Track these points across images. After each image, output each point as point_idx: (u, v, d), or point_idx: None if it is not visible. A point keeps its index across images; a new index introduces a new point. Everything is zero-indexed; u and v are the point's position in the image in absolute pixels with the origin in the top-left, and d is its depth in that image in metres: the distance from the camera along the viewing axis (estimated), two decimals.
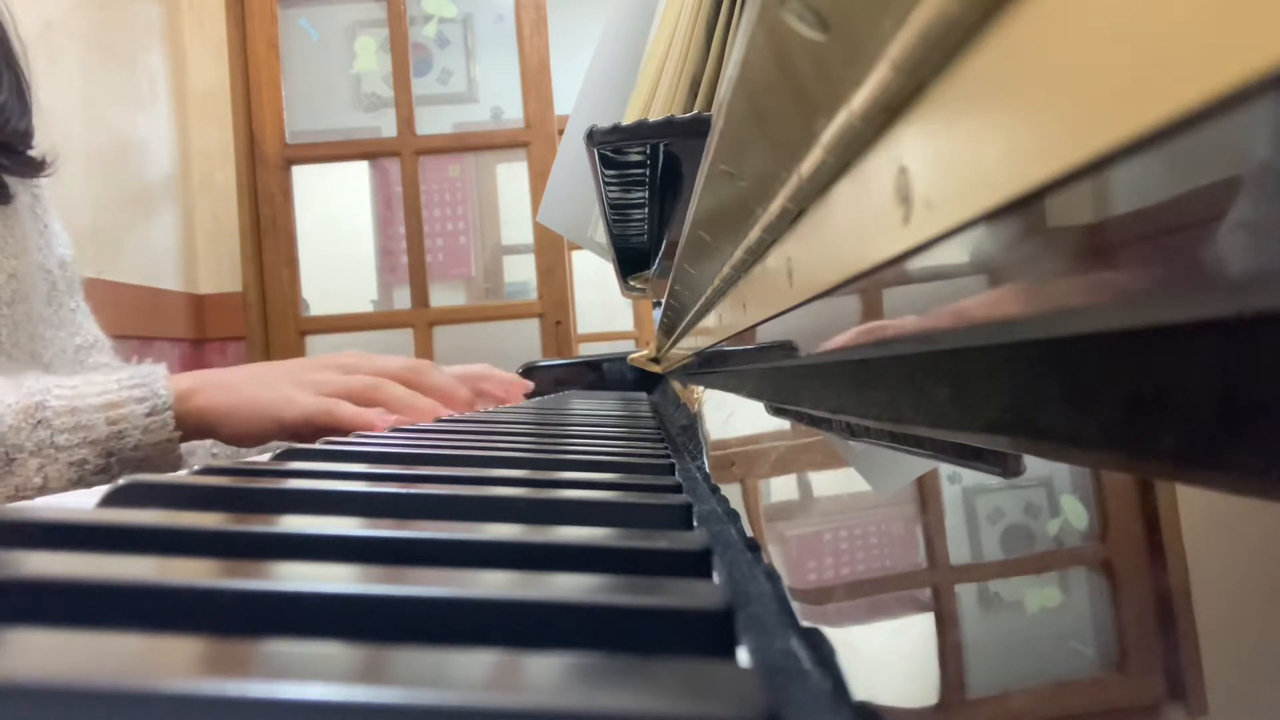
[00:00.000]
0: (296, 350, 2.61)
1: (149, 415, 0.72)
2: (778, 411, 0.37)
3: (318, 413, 0.74)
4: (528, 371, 1.41)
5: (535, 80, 2.71)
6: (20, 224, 0.84)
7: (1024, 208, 0.10)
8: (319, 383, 0.76)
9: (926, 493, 0.21)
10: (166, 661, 0.13)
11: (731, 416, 0.51)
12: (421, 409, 0.76)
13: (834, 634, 0.20)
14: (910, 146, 0.13)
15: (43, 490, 0.68)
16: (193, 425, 0.74)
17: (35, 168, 0.85)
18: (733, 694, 0.12)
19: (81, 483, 0.69)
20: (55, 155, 0.87)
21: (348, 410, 0.74)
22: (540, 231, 2.65)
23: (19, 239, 0.83)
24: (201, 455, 0.86)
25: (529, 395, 1.06)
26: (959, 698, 0.18)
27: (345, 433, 0.70)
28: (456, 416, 0.74)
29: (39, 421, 0.68)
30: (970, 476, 0.18)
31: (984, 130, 0.11)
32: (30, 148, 0.84)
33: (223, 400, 0.75)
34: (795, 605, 0.23)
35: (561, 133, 1.72)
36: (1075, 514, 0.14)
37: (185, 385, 0.75)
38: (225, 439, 0.76)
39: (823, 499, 0.33)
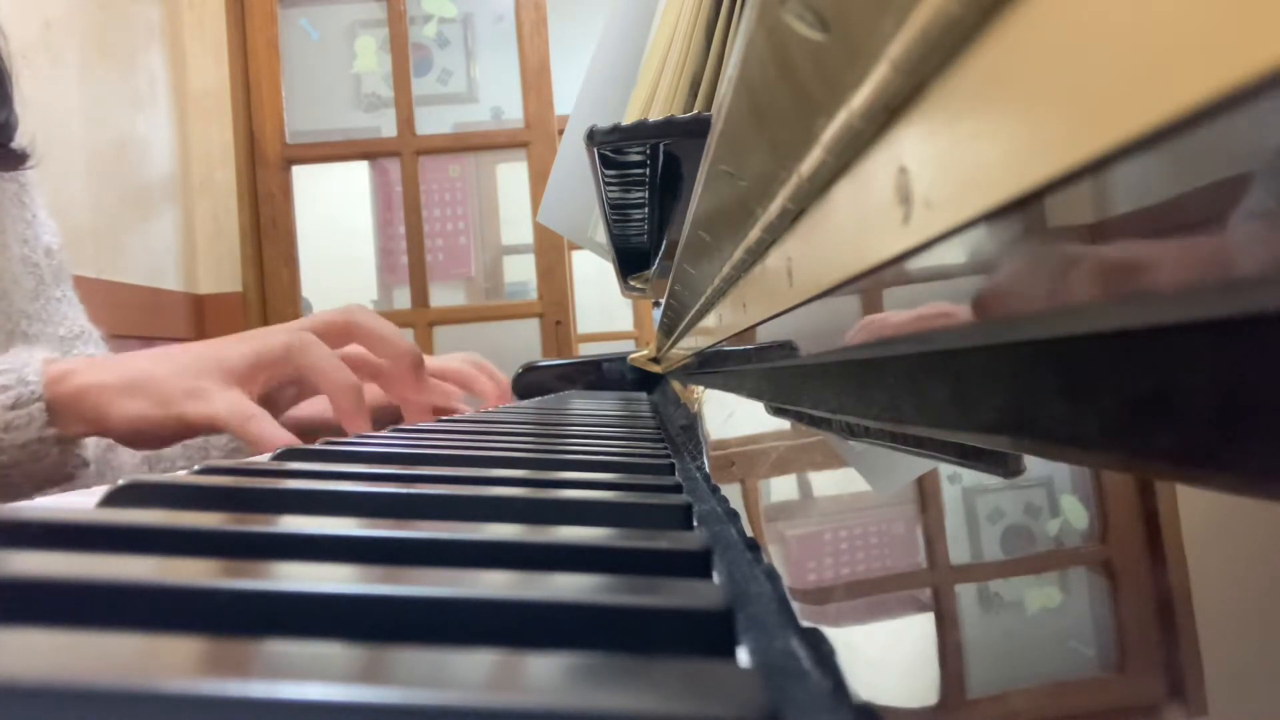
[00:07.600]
0: None
1: (12, 408, 0.58)
2: (778, 411, 0.37)
3: (230, 419, 0.60)
4: (528, 371, 1.41)
5: (535, 80, 2.71)
6: (1, 218, 0.82)
7: (1023, 208, 0.10)
8: (242, 374, 0.63)
9: (926, 493, 0.21)
10: (166, 661, 0.13)
11: (731, 416, 0.51)
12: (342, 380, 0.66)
13: (834, 634, 0.20)
14: (910, 146, 0.13)
15: None
16: (74, 414, 0.60)
17: (16, 160, 0.81)
18: (733, 694, 0.12)
19: None
20: (34, 145, 0.82)
21: (258, 430, 0.60)
22: (540, 231, 2.65)
23: None
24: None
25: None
26: (959, 698, 0.18)
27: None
28: (457, 417, 0.74)
29: None
30: (970, 476, 0.18)
31: (984, 130, 0.11)
32: (10, 140, 0.81)
33: (109, 379, 0.60)
34: (795, 605, 0.23)
35: (561, 133, 1.72)
36: (1075, 514, 0.14)
37: (62, 368, 0.61)
38: (119, 434, 0.62)
39: (823, 499, 0.33)
